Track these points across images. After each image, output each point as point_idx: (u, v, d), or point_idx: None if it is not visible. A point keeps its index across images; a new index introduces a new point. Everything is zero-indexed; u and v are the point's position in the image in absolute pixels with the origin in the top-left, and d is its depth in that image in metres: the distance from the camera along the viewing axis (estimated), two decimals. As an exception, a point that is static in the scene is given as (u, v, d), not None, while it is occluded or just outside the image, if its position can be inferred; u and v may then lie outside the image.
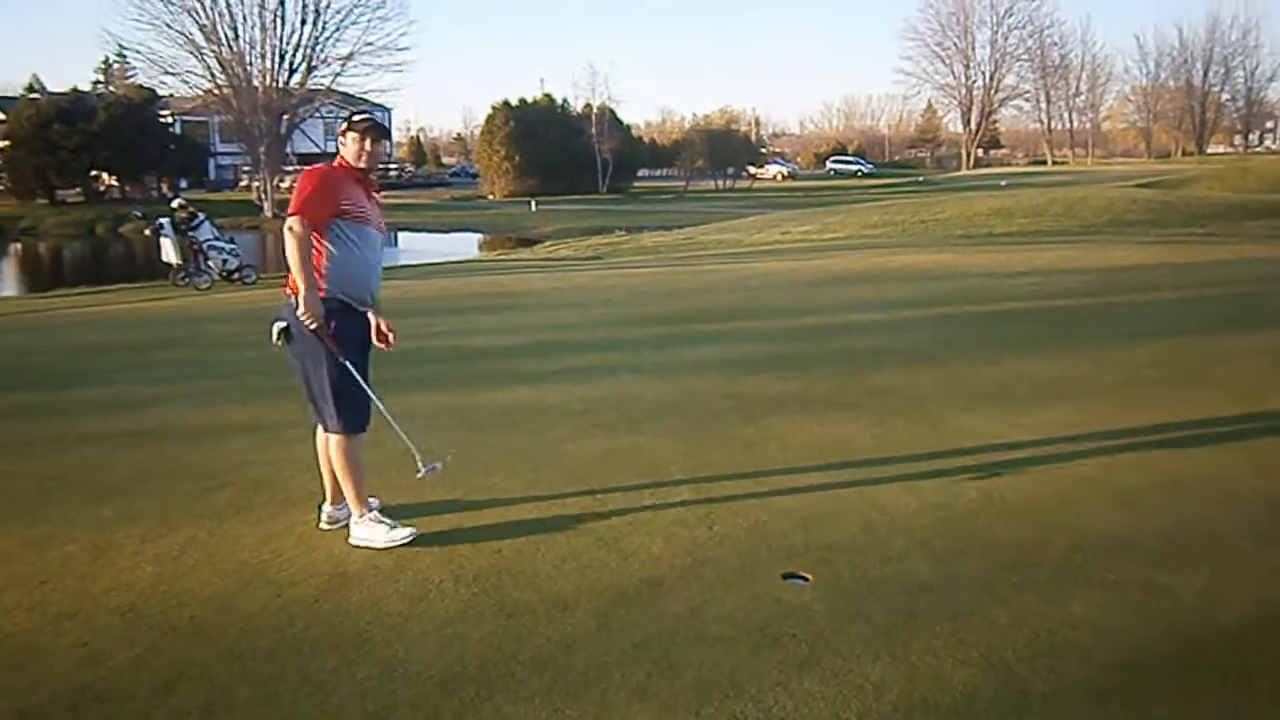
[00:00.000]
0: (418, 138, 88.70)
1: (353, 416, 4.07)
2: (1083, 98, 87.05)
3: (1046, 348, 7.99)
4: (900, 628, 3.37)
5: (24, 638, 3.47)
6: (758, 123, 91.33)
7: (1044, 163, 78.84)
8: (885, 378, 7.11)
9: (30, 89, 58.49)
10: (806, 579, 3.78)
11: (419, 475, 4.27)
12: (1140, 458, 5.12)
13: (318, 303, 3.95)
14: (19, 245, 40.16)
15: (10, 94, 60.26)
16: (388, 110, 67.38)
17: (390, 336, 4.27)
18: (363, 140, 4.10)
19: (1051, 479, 4.83)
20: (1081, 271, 12.79)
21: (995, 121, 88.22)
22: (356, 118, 4.14)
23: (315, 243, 4.00)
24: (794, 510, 4.47)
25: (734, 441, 5.57)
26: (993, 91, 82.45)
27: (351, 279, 4.08)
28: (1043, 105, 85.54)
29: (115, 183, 54.05)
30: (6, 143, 50.06)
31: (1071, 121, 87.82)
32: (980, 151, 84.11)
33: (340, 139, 4.18)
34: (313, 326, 3.94)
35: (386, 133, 4.21)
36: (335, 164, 4.16)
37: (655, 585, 3.74)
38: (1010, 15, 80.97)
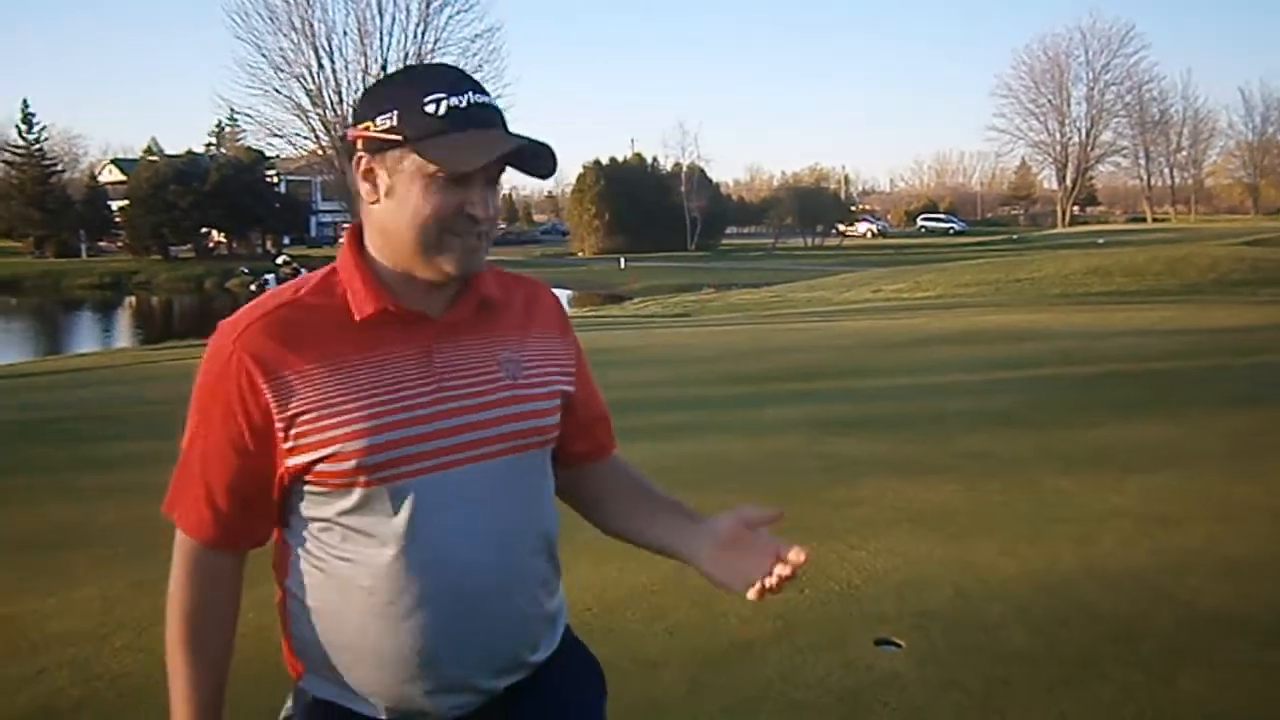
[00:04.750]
0: (510, 196, 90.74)
1: None
2: (1184, 153, 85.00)
3: (1149, 411, 7.74)
4: (996, 698, 3.27)
5: (133, 679, 3.60)
6: (847, 180, 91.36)
7: (1143, 220, 76.92)
8: (979, 440, 6.97)
9: (149, 151, 61.92)
10: (899, 645, 3.71)
11: None
12: (1251, 529, 4.90)
13: None
14: (133, 298, 42.24)
15: (131, 156, 63.78)
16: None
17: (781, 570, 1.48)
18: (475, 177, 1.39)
19: (1156, 548, 4.65)
20: (1185, 332, 12.40)
21: (1092, 178, 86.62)
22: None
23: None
24: (886, 574, 4.40)
25: (824, 503, 5.51)
26: (1089, 148, 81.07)
27: (337, 648, 1.48)
28: (1142, 161, 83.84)
29: (224, 239, 56.56)
30: (126, 202, 52.89)
31: (1173, 178, 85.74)
32: (1076, 209, 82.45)
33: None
34: None
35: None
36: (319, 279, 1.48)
37: (746, 648, 3.71)
38: (1107, 71, 79.95)
